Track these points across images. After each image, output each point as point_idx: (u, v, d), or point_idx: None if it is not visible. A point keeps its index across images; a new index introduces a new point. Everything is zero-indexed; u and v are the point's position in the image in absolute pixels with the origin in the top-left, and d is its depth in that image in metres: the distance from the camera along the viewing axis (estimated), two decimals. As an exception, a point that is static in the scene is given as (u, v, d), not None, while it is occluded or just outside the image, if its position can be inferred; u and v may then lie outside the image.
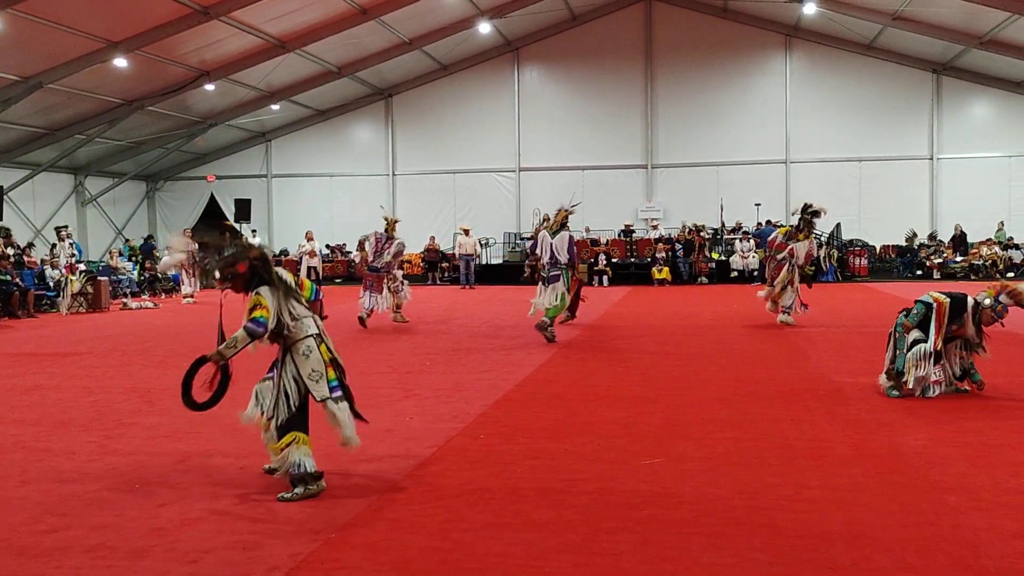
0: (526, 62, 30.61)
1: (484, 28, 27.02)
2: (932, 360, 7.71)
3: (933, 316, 7.70)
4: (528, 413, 7.51)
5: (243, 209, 28.94)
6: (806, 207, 14.07)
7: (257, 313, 5.27)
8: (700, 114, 29.64)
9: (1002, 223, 27.61)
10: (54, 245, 22.27)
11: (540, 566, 4.11)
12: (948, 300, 7.72)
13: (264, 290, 5.36)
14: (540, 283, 12.83)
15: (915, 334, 7.80)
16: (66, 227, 22.65)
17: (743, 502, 4.93)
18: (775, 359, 10.53)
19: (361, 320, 14.36)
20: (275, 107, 28.89)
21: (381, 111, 31.56)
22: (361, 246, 14.84)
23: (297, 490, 5.15)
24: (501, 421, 7.18)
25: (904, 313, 8.00)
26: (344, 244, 30.70)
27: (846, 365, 9.84)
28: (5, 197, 23.00)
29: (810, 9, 25.80)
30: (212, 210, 31.99)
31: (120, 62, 21.35)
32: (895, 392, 7.87)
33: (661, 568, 4.07)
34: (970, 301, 7.75)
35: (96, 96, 23.62)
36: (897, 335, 7.96)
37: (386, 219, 15.02)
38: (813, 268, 14.39)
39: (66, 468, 5.94)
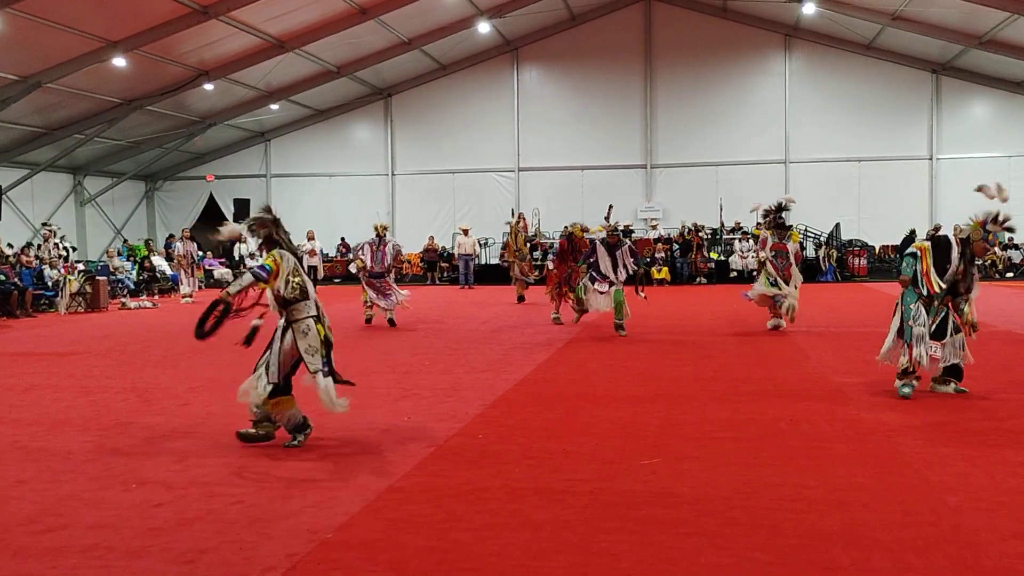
0: (525, 62, 30.59)
1: (483, 28, 27.00)
2: (929, 335, 7.68)
3: (919, 265, 7.77)
4: (526, 413, 7.49)
5: (242, 209, 28.90)
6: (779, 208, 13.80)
7: (265, 262, 6.29)
8: (699, 114, 29.62)
9: None
10: (39, 245, 22.18)
11: (538, 566, 4.09)
12: (929, 243, 7.87)
13: (280, 251, 6.36)
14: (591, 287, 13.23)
15: (919, 313, 7.74)
16: (49, 225, 22.46)
17: (742, 502, 4.92)
18: (774, 359, 10.51)
19: (368, 320, 14.95)
20: (274, 107, 28.87)
21: (380, 111, 31.54)
22: (357, 257, 15.10)
23: (300, 437, 6.35)
24: (499, 421, 7.16)
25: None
26: (338, 246, 30.70)
27: (845, 365, 9.83)
28: (4, 197, 23.00)
29: (809, 9, 25.78)
30: (211, 210, 31.99)
31: (119, 62, 21.32)
32: (907, 390, 7.81)
33: (659, 568, 4.06)
34: (952, 238, 7.86)
35: (95, 96, 23.60)
36: (902, 308, 7.90)
37: (375, 227, 15.23)
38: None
39: (63, 468, 5.92)
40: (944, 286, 7.73)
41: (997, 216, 7.79)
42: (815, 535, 4.40)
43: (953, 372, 7.96)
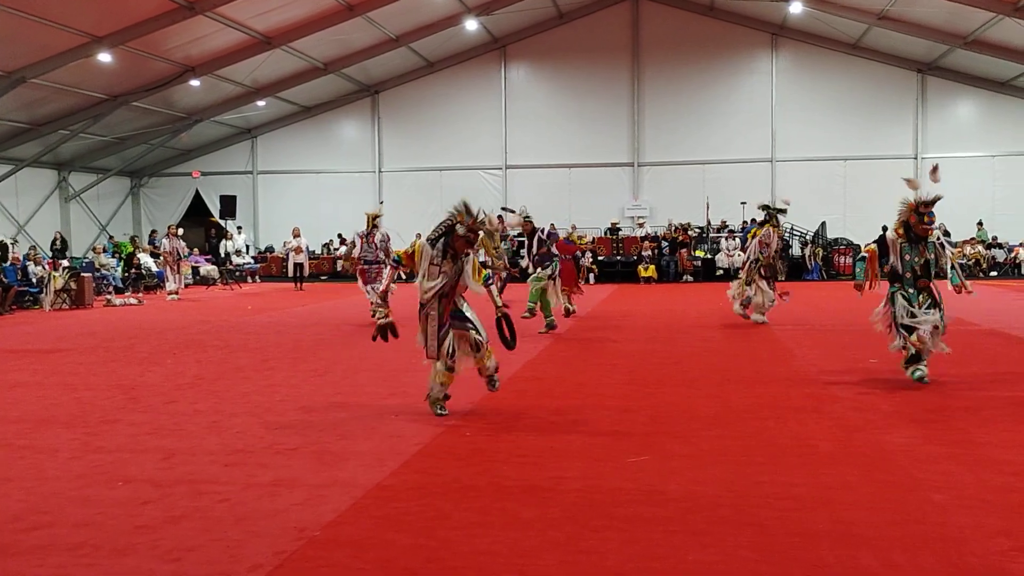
0: (513, 59, 30.58)
1: (471, 25, 26.98)
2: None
3: (867, 264, 8.52)
4: (514, 411, 7.48)
5: (228, 205, 28.82)
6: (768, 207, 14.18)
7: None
8: (687, 112, 29.69)
9: (980, 222, 27.75)
10: None
11: (525, 564, 4.09)
12: (875, 244, 8.54)
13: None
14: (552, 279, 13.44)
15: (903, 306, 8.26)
16: None
17: (729, 500, 4.93)
18: (761, 357, 10.54)
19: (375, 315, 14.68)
20: (261, 103, 28.76)
21: (367, 108, 31.48)
22: (350, 251, 15.45)
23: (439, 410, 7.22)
24: (487, 419, 7.16)
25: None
26: (331, 241, 30.63)
27: (832, 363, 9.87)
28: (-12, 192, 22.88)
29: (796, 8, 25.88)
30: (197, 207, 31.87)
31: (104, 57, 21.20)
32: (918, 373, 8.27)
33: (647, 566, 4.06)
34: (889, 234, 8.49)
35: (80, 91, 23.46)
36: (892, 305, 8.39)
37: (367, 215, 15.34)
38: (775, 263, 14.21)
39: (48, 466, 5.89)
40: (905, 273, 8.30)
41: (925, 200, 8.33)
42: (802, 533, 4.41)
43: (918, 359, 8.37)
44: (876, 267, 8.53)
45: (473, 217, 6.98)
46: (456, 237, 7.00)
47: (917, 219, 8.24)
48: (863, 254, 8.61)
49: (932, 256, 8.31)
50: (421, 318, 7.18)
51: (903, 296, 8.29)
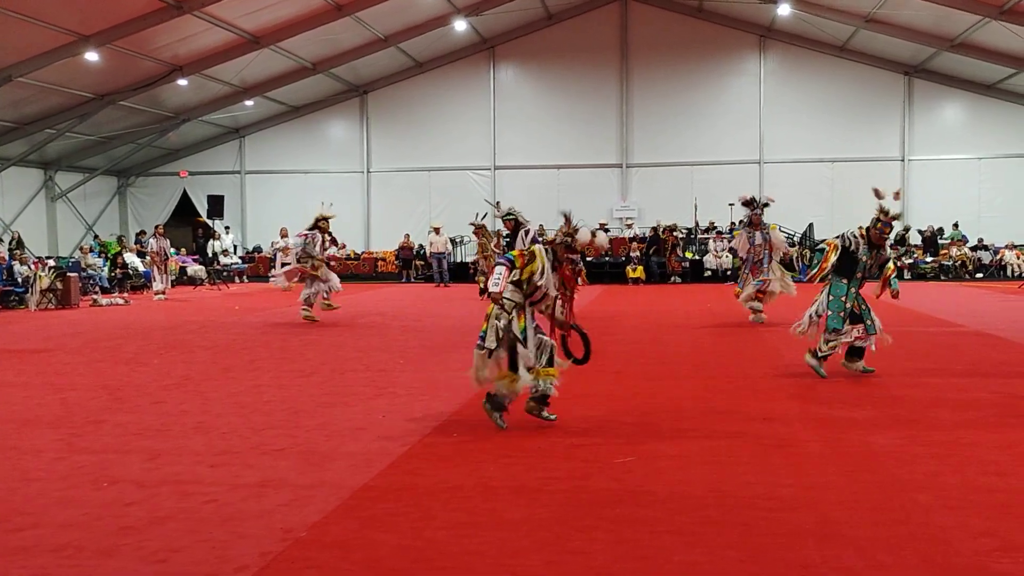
0: (502, 60, 30.58)
1: (460, 26, 26.98)
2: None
3: (823, 256, 8.97)
4: (502, 411, 7.47)
5: (216, 205, 28.72)
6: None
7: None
8: (675, 114, 29.75)
9: (956, 224, 27.88)
10: None
11: (513, 565, 4.09)
12: (839, 240, 8.95)
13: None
14: None
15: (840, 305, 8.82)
16: None
17: (716, 500, 4.94)
18: (749, 357, 10.57)
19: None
20: (249, 103, 28.68)
21: (356, 108, 31.43)
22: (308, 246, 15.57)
23: (496, 415, 6.79)
24: (475, 419, 7.14)
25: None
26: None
27: (818, 364, 9.89)
28: (-27, 192, 22.73)
29: (784, 10, 25.96)
30: (184, 206, 31.75)
31: (91, 56, 21.10)
32: (823, 370, 8.81)
33: (633, 566, 4.07)
34: (857, 236, 8.95)
35: (67, 90, 23.34)
36: (829, 297, 8.98)
37: (328, 217, 15.76)
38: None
39: (33, 466, 5.86)
40: (857, 273, 8.81)
41: (891, 214, 8.87)
42: (788, 533, 4.42)
43: (857, 352, 8.87)
44: (829, 261, 8.91)
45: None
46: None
47: (872, 224, 8.78)
48: (822, 246, 9.11)
49: (879, 261, 8.83)
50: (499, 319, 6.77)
51: (840, 290, 8.80)
